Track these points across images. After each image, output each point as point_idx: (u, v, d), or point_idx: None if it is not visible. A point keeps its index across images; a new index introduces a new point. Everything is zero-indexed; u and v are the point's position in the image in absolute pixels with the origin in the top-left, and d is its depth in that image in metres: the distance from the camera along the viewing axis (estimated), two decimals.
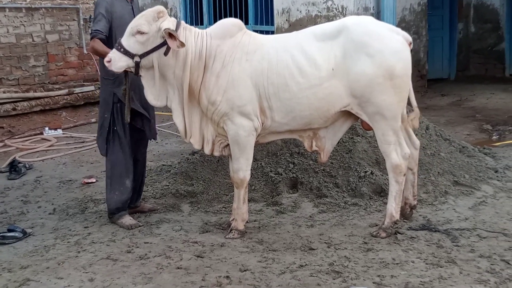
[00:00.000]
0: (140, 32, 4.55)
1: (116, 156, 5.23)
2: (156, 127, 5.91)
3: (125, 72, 4.79)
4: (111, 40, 5.01)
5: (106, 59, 4.61)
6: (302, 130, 4.86)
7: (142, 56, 4.58)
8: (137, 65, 4.60)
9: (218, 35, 4.70)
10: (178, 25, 4.62)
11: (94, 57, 11.05)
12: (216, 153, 4.96)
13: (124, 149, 5.22)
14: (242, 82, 4.62)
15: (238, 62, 4.63)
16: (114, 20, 5.03)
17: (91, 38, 5.06)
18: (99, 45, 4.99)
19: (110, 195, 5.29)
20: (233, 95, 4.61)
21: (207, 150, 4.93)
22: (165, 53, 4.59)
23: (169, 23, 4.57)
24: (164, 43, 4.55)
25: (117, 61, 4.59)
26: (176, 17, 12.16)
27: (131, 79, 4.92)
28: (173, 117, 4.86)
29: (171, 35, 4.46)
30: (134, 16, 4.96)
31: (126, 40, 4.59)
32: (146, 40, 4.56)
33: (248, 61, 4.64)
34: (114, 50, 4.62)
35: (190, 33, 4.68)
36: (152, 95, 4.75)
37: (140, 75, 4.69)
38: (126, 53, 4.57)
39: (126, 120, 5.01)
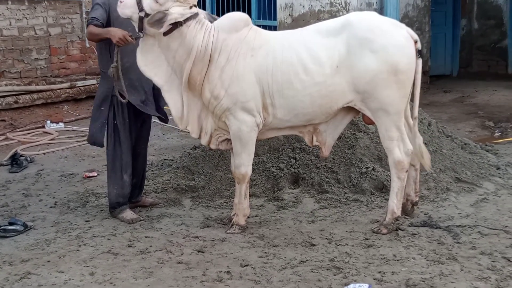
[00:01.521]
0: (156, 0, 4.55)
1: (115, 151, 5.23)
2: (157, 121, 5.91)
3: (116, 47, 4.85)
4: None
5: None
6: (303, 125, 4.85)
7: (147, 15, 4.57)
8: (141, 20, 4.60)
9: (225, 29, 4.69)
10: (190, 18, 4.59)
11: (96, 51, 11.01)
12: (213, 146, 4.95)
13: (123, 143, 5.21)
14: (246, 78, 4.60)
15: (243, 58, 4.62)
16: (112, 12, 5.00)
17: (88, 25, 5.04)
18: (95, 28, 4.96)
19: (110, 189, 5.29)
20: (237, 90, 4.60)
21: (204, 141, 4.94)
22: (164, 34, 4.60)
23: (182, 10, 4.57)
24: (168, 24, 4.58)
25: (126, 7, 4.64)
26: None
27: (123, 58, 4.95)
28: (165, 98, 4.89)
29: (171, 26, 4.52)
30: None
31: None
32: (156, 10, 4.54)
33: (253, 57, 4.63)
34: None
35: (200, 29, 4.65)
36: (143, 61, 4.76)
37: (141, 36, 4.69)
38: (139, 3, 4.59)
39: (125, 99, 5.02)
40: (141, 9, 4.58)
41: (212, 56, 4.65)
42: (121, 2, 4.65)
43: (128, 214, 5.23)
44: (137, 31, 4.69)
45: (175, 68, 4.73)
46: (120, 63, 4.95)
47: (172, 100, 4.83)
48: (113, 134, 5.22)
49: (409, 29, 4.72)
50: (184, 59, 4.65)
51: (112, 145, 5.24)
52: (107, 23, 5.01)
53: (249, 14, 10.82)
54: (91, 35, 5.03)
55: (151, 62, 4.74)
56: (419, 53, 4.68)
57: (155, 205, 5.54)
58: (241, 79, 4.61)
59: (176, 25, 4.57)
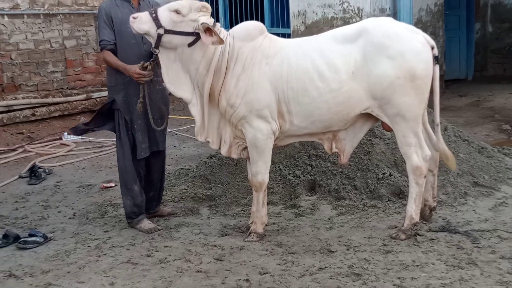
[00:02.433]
0: (177, 12, 4.54)
1: (122, 163, 5.26)
2: (173, 131, 5.93)
3: (141, 84, 4.87)
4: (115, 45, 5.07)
5: (134, 15, 4.62)
6: (322, 132, 4.85)
7: (167, 32, 4.55)
8: (159, 37, 4.57)
9: (241, 37, 4.71)
10: (214, 25, 4.60)
11: None
12: (235, 155, 4.95)
13: (126, 155, 5.22)
14: (262, 86, 4.62)
15: (258, 66, 4.64)
16: (114, 26, 5.05)
17: (101, 50, 5.12)
18: (111, 58, 5.03)
19: (124, 200, 5.34)
20: (252, 98, 4.62)
21: (224, 151, 4.94)
22: (189, 44, 4.59)
23: (207, 19, 4.58)
24: (192, 34, 4.57)
25: (142, 22, 4.58)
26: None
27: (147, 93, 4.96)
28: (191, 112, 4.85)
29: (208, 30, 4.48)
30: None
31: (162, 11, 4.60)
32: (179, 22, 4.55)
33: (268, 65, 4.64)
34: (146, 12, 4.64)
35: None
36: (168, 78, 4.73)
37: (157, 52, 4.66)
38: (156, 19, 4.56)
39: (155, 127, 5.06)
40: (159, 25, 4.55)
41: (229, 64, 4.67)
42: (134, 18, 4.61)
43: (146, 224, 5.26)
44: (153, 46, 4.66)
45: (196, 80, 4.72)
46: (120, 80, 5.03)
47: (198, 113, 4.82)
48: (118, 147, 5.27)
49: (426, 35, 4.71)
50: (207, 69, 4.66)
51: (119, 158, 5.30)
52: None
53: (262, 22, 10.84)
54: (106, 63, 5.12)
55: (175, 77, 4.73)
56: (436, 59, 4.67)
57: (173, 215, 5.56)
58: (256, 87, 4.62)
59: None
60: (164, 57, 4.69)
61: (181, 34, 4.59)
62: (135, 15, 4.63)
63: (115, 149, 5.37)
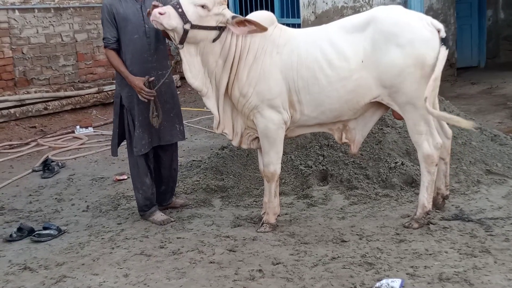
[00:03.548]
0: (203, 6, 4.49)
1: (131, 157, 5.28)
2: (185, 122, 5.93)
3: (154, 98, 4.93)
4: (119, 41, 5.08)
5: (160, 10, 4.45)
6: (332, 122, 4.84)
7: (193, 27, 4.49)
8: (185, 33, 4.48)
9: None
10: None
11: None
12: (244, 146, 4.97)
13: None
14: (273, 75, 4.63)
15: (269, 55, 4.65)
16: (117, 22, 5.03)
17: (105, 47, 5.13)
18: (113, 58, 5.05)
19: (136, 194, 5.36)
20: (263, 88, 4.62)
21: (235, 142, 4.95)
22: (214, 40, 4.58)
23: (230, 13, 4.58)
24: (216, 28, 4.55)
25: (171, 18, 4.44)
26: None
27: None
28: (208, 105, 4.84)
29: (241, 23, 4.48)
30: (143, 16, 5.02)
31: (186, 5, 4.49)
32: (205, 16, 4.50)
33: (278, 54, 4.65)
34: (170, 6, 4.49)
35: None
36: (191, 73, 4.66)
37: (180, 48, 4.59)
38: (182, 15, 4.47)
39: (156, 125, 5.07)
40: (186, 21, 4.47)
41: (242, 55, 4.66)
42: (161, 14, 4.44)
43: (159, 216, 5.28)
44: (177, 42, 4.56)
45: (214, 73, 4.70)
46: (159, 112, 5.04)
47: (214, 105, 4.80)
48: (128, 141, 5.28)
49: (433, 19, 4.64)
50: (224, 61, 4.65)
51: (128, 152, 5.32)
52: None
53: (272, 12, 10.84)
54: (111, 64, 5.14)
55: (197, 73, 4.69)
56: (443, 41, 4.60)
57: (186, 206, 5.58)
58: (268, 76, 4.63)
59: (223, 28, 4.59)
60: (186, 53, 4.61)
61: (206, 29, 4.53)
62: (161, 10, 4.44)
63: (124, 141, 5.37)
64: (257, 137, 4.88)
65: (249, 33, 4.53)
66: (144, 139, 5.16)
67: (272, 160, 4.80)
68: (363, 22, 4.62)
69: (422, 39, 4.50)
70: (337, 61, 4.56)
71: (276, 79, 4.63)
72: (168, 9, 4.47)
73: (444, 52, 4.55)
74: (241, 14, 11.56)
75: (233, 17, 4.51)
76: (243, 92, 4.66)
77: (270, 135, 4.72)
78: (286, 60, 4.64)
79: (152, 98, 4.93)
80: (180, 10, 4.46)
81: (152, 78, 4.92)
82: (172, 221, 5.24)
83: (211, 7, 4.51)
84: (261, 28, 4.49)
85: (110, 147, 5.42)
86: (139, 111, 5.10)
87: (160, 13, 4.44)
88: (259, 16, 4.82)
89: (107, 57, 5.12)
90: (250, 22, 4.49)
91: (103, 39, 5.09)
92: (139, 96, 4.94)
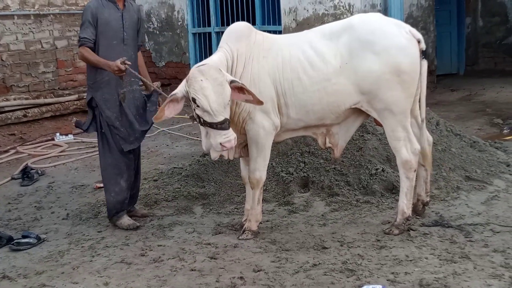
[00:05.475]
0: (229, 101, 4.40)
1: (106, 158, 5.29)
2: (166, 129, 5.92)
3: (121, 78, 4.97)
4: (96, 45, 5.09)
5: (226, 145, 4.33)
6: (316, 126, 4.88)
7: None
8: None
9: (234, 39, 4.73)
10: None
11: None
12: (236, 155, 4.96)
13: (113, 150, 5.25)
14: (262, 79, 4.68)
15: (256, 60, 4.70)
16: (99, 26, 5.08)
17: (79, 46, 5.13)
18: (89, 53, 5.06)
19: (107, 197, 5.34)
20: (254, 92, 4.61)
21: (231, 155, 4.90)
22: None
23: (228, 77, 4.45)
24: None
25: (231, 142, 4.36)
26: (183, 19, 12.19)
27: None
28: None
29: (240, 89, 4.42)
30: (123, 24, 5.12)
31: (224, 113, 4.33)
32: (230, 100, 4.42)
33: (265, 58, 4.71)
34: (230, 131, 4.35)
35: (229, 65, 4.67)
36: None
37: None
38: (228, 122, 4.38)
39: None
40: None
41: (232, 69, 4.68)
42: (227, 147, 4.36)
43: (126, 220, 5.29)
44: None
45: None
46: (99, 78, 5.11)
47: None
48: (101, 143, 5.29)
49: (412, 29, 4.72)
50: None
51: (103, 154, 5.32)
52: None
53: (254, 20, 10.88)
54: (84, 58, 5.12)
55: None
56: (423, 53, 4.68)
57: (146, 217, 5.53)
58: (257, 81, 4.68)
59: None
60: None
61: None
62: (227, 145, 4.33)
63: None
64: (246, 146, 4.88)
65: (247, 102, 4.51)
66: (132, 135, 5.24)
67: (258, 167, 4.81)
68: (340, 29, 4.70)
69: (398, 46, 4.55)
70: (319, 63, 4.64)
71: (265, 83, 4.68)
72: (233, 136, 4.38)
73: (425, 66, 4.65)
74: (222, 22, 11.58)
75: (231, 81, 4.40)
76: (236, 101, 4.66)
77: (260, 141, 4.74)
78: (272, 62, 4.70)
79: (124, 73, 4.98)
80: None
81: (126, 59, 4.94)
82: (137, 226, 5.24)
83: (229, 89, 4.37)
84: (257, 102, 4.44)
85: (89, 154, 5.40)
86: (119, 113, 5.18)
87: (226, 147, 4.36)
88: (239, 26, 4.88)
89: (83, 53, 5.07)
90: (248, 91, 4.43)
91: (82, 38, 5.08)
92: (115, 74, 4.96)
